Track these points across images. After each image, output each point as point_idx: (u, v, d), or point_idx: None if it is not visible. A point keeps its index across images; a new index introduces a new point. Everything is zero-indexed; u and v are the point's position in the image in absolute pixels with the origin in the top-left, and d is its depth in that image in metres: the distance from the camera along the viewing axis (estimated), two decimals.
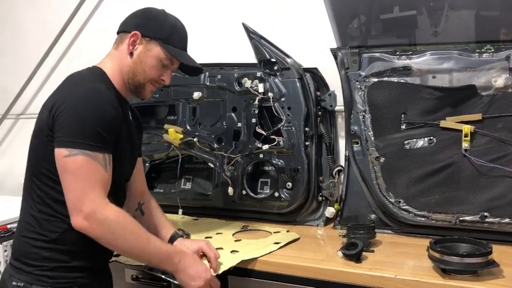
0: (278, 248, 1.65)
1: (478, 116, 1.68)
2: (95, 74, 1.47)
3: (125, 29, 1.50)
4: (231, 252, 1.61)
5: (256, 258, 1.56)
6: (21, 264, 1.38)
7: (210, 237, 1.79)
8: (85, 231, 1.31)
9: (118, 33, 1.53)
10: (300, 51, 2.02)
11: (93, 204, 1.29)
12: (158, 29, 1.47)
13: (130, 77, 1.48)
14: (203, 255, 1.53)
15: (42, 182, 1.38)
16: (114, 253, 1.52)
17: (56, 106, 1.34)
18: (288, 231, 1.87)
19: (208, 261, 1.49)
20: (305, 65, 2.00)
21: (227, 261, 1.53)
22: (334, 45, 1.89)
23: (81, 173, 1.30)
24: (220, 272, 1.48)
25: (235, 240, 1.74)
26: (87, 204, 1.29)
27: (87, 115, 1.33)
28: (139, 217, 1.64)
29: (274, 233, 1.85)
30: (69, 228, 1.34)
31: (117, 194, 1.47)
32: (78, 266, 1.40)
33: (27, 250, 1.39)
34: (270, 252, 1.61)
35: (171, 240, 1.60)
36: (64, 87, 1.43)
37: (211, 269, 1.47)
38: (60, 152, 1.32)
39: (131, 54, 1.47)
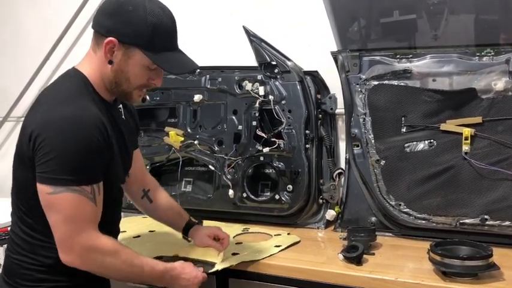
0: (279, 251, 1.65)
1: (478, 119, 1.69)
2: (76, 84, 1.30)
3: (98, 29, 1.29)
4: (232, 254, 1.61)
5: (257, 260, 1.56)
6: (14, 283, 1.33)
7: None
8: (79, 267, 1.26)
9: (93, 28, 1.32)
10: (300, 54, 2.03)
11: (86, 241, 1.23)
12: (138, 35, 1.25)
13: (113, 87, 1.32)
14: (214, 238, 1.60)
15: (32, 210, 1.29)
16: None
17: (35, 135, 1.22)
18: (288, 233, 1.87)
19: (220, 241, 1.58)
20: (305, 68, 2.00)
21: (227, 262, 1.53)
22: (335, 48, 1.90)
23: (69, 213, 1.21)
24: (220, 268, 1.49)
25: (236, 243, 1.74)
26: (77, 244, 1.22)
27: (70, 147, 1.19)
28: (147, 205, 1.62)
29: (275, 235, 1.85)
30: None
31: (113, 204, 1.39)
32: (77, 284, 1.34)
33: (18, 271, 1.33)
34: (271, 255, 1.61)
35: (187, 228, 1.63)
36: (42, 110, 1.27)
37: (222, 248, 1.56)
38: (43, 189, 1.21)
39: (110, 62, 1.28)
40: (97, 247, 1.25)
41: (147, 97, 2.19)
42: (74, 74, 1.34)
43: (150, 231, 1.95)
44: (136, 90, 1.34)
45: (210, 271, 1.49)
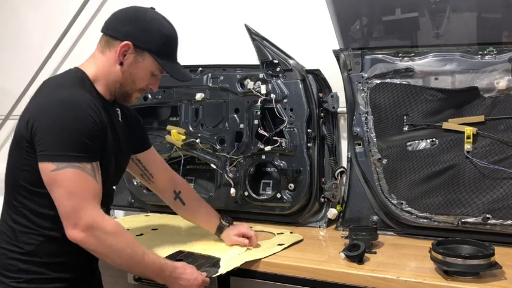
0: (282, 250, 1.65)
1: (480, 118, 1.68)
2: (75, 77, 1.39)
3: (114, 34, 1.41)
4: (236, 253, 1.61)
5: (259, 259, 1.56)
6: (1, 275, 1.35)
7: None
8: (81, 244, 1.29)
9: (103, 33, 1.44)
10: (302, 53, 2.02)
11: (90, 218, 1.27)
12: (152, 41, 1.40)
13: (117, 86, 1.43)
14: (243, 236, 1.66)
15: (19, 193, 1.35)
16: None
17: (33, 119, 1.29)
18: (291, 232, 1.87)
19: (249, 239, 1.65)
20: (307, 67, 2.00)
21: (231, 262, 1.53)
22: (337, 47, 1.90)
23: (73, 186, 1.26)
24: (224, 272, 1.49)
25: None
26: (83, 218, 1.26)
27: (68, 126, 1.27)
28: (180, 207, 1.70)
29: (277, 234, 1.85)
30: (45, 241, 1.34)
31: (104, 200, 1.41)
32: (56, 277, 1.36)
33: (4, 261, 1.36)
34: (274, 254, 1.61)
35: (219, 230, 1.70)
36: (40, 97, 1.37)
37: (251, 245, 1.64)
38: (45, 167, 1.27)
39: (121, 64, 1.40)
40: (100, 225, 1.29)
41: (149, 95, 2.20)
42: (74, 71, 1.44)
43: (152, 229, 1.95)
44: (136, 92, 1.47)
45: (215, 275, 1.48)
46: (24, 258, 1.34)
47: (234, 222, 1.77)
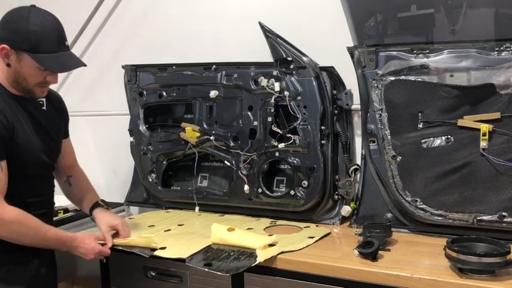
0: (314, 242, 1.69)
1: (496, 115, 1.67)
2: None
3: None
4: (269, 245, 1.63)
5: (293, 251, 1.59)
6: None
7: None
8: None
9: None
10: (316, 50, 2.02)
11: None
12: (23, 41, 1.51)
13: (15, 85, 1.58)
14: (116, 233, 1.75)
15: None
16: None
17: None
18: (317, 225, 1.90)
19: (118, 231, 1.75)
20: (321, 64, 2.00)
21: (267, 252, 1.56)
22: (351, 44, 1.89)
23: None
24: (262, 260, 1.53)
25: (269, 235, 1.76)
26: None
27: None
28: (68, 188, 1.88)
29: (304, 228, 1.88)
30: None
31: (38, 184, 1.66)
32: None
33: None
34: (307, 246, 1.65)
35: (92, 209, 1.80)
36: None
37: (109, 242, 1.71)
38: None
39: (8, 65, 1.55)
40: (4, 214, 1.49)
41: (164, 93, 2.22)
42: None
43: (179, 224, 1.99)
44: (37, 87, 1.60)
45: (253, 264, 1.52)
46: None
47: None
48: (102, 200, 1.84)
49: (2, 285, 1.56)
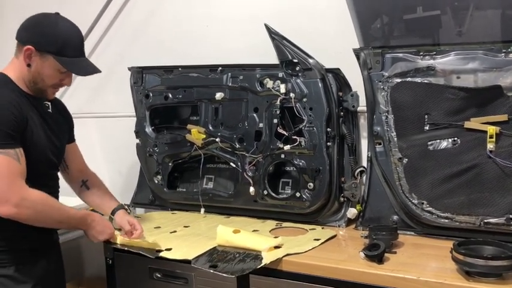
0: (320, 244, 1.69)
1: (503, 117, 1.66)
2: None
3: (19, 39, 1.63)
4: (275, 247, 1.63)
5: (299, 253, 1.59)
6: None
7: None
8: (15, 217, 1.51)
9: (16, 39, 1.64)
10: (322, 52, 2.02)
11: (18, 194, 1.50)
12: (50, 44, 1.59)
13: (31, 85, 1.64)
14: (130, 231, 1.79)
15: None
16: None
17: None
18: (323, 228, 1.89)
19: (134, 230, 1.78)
20: (327, 66, 1.99)
21: (272, 254, 1.57)
22: (357, 46, 1.89)
23: (0, 170, 1.49)
24: (268, 262, 1.53)
25: (274, 237, 1.75)
26: (13, 195, 1.49)
27: None
28: (85, 192, 1.92)
29: (310, 230, 1.87)
30: None
31: (46, 182, 1.68)
32: (14, 248, 1.59)
33: None
34: (313, 248, 1.64)
35: (116, 209, 1.86)
36: None
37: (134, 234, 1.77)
38: None
39: (29, 65, 1.61)
40: (29, 195, 1.53)
41: (170, 95, 2.23)
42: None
43: (185, 226, 1.99)
44: (51, 88, 1.68)
45: (259, 266, 1.51)
46: None
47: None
48: (126, 204, 1.93)
49: (11, 284, 1.58)
